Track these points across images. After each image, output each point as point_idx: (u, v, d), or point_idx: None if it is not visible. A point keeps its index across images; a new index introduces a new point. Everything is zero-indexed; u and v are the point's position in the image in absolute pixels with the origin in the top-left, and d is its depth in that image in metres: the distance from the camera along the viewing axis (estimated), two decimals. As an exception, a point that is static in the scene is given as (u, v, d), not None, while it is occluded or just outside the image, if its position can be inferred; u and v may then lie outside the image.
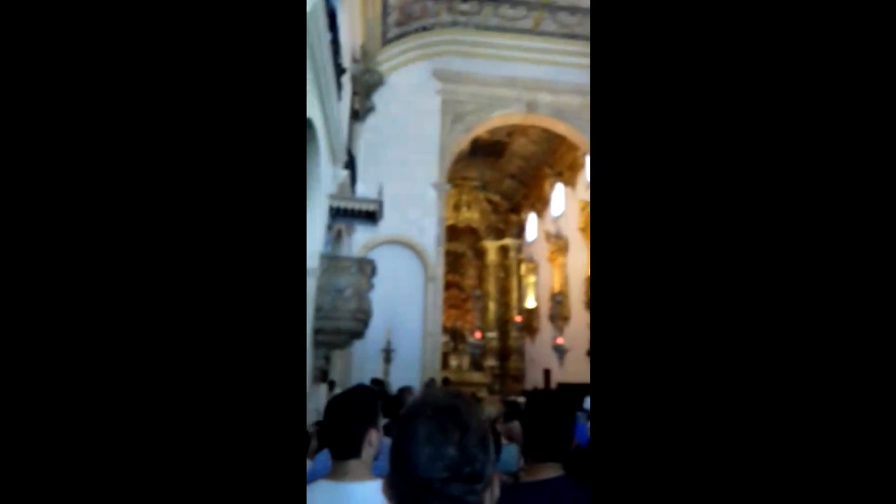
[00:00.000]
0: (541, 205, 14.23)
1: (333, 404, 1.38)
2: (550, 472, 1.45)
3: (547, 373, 12.56)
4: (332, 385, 6.70)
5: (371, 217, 6.73)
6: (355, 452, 1.28)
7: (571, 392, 5.54)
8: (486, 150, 13.21)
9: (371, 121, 9.65)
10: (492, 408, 3.18)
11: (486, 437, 0.71)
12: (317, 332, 5.88)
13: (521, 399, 9.51)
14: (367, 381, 8.51)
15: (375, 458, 1.33)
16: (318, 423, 5.33)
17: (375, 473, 1.30)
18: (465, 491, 0.67)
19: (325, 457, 1.44)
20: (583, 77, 9.23)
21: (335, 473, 1.27)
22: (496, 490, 0.72)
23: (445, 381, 10.95)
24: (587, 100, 8.86)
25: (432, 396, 0.75)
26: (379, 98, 9.70)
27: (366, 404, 1.36)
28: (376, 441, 1.32)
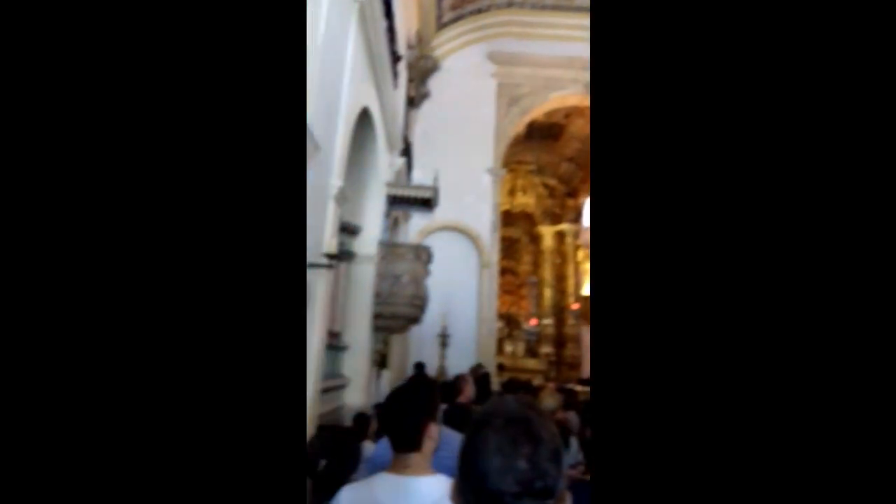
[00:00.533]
0: (599, 188, 13.76)
1: (394, 397, 1.38)
2: None
3: (604, 361, 12.27)
4: (420, 367, 6.79)
5: (427, 204, 6.78)
6: (416, 446, 1.28)
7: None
8: (543, 133, 12.91)
9: (426, 107, 9.67)
10: (550, 399, 3.12)
11: (559, 451, 0.69)
12: (376, 317, 6.03)
13: (578, 387, 9.40)
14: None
15: (435, 450, 1.33)
16: (377, 406, 5.51)
17: (435, 466, 1.30)
18: None
19: (386, 444, 1.47)
20: (645, 54, 8.80)
21: (396, 466, 1.27)
22: None
23: (500, 366, 10.99)
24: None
25: (503, 405, 0.73)
26: (434, 84, 9.69)
27: (426, 397, 1.36)
28: (436, 434, 1.32)
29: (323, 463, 2.55)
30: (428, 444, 1.29)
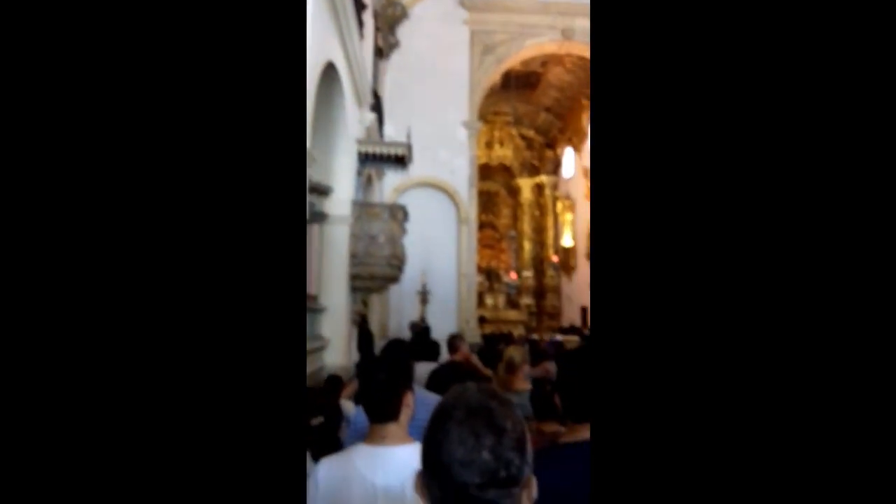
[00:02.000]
0: (578, 138, 13.62)
1: (369, 369, 1.38)
2: (589, 432, 1.42)
3: (584, 310, 12.56)
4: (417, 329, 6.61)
5: (401, 161, 6.62)
6: (393, 417, 1.29)
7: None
8: (519, 83, 12.56)
9: (396, 58, 9.29)
10: (516, 353, 3.10)
11: (523, 439, 0.69)
12: (353, 278, 6.00)
13: (559, 336, 9.62)
14: (404, 323, 8.76)
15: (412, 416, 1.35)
16: (358, 365, 5.56)
17: (412, 434, 1.31)
18: (502, 495, 0.66)
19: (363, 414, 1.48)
20: None
21: (373, 437, 1.29)
22: (534, 490, 0.71)
23: (482, 319, 11.16)
24: (627, 22, 8.20)
25: (465, 396, 0.72)
26: (403, 33, 9.27)
27: (401, 368, 1.36)
28: (412, 402, 1.33)
29: (320, 419, 2.62)
30: (405, 413, 1.31)
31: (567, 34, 9.54)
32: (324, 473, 1.27)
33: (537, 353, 5.24)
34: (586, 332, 7.57)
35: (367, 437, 1.30)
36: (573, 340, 8.33)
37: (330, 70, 5.06)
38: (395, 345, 2.47)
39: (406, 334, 8.12)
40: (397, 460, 1.23)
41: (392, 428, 1.28)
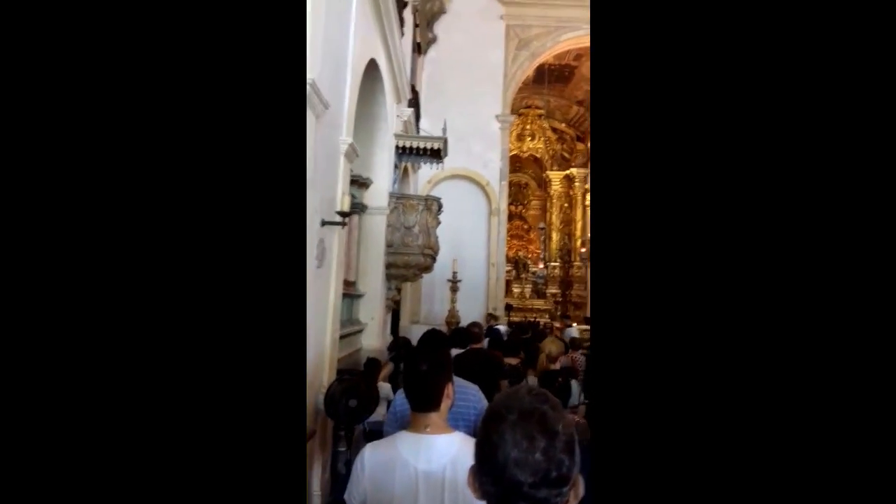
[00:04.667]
0: (609, 131, 13.58)
1: (413, 360, 1.45)
2: None
3: (610, 302, 12.58)
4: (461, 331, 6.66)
5: (436, 155, 6.84)
6: (435, 407, 1.36)
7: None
8: (553, 76, 12.59)
9: (433, 52, 9.48)
10: (553, 346, 3.43)
11: (572, 441, 0.72)
12: (388, 266, 6.27)
13: (573, 328, 9.78)
14: (435, 309, 9.07)
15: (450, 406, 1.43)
16: (391, 349, 5.86)
17: (451, 423, 1.42)
18: (552, 494, 0.69)
19: (403, 398, 1.58)
20: (660, -9, 8.44)
21: (416, 425, 1.36)
22: (581, 489, 0.74)
23: (509, 307, 11.36)
24: (664, 17, 8.15)
25: (517, 399, 0.75)
26: (441, 28, 9.44)
27: (443, 360, 1.44)
28: (452, 392, 1.41)
29: (354, 402, 2.87)
30: (445, 403, 1.39)
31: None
32: (370, 457, 1.34)
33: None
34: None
35: (411, 425, 1.38)
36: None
37: (371, 67, 5.30)
38: (432, 335, 2.67)
39: (437, 320, 8.46)
40: (438, 448, 1.30)
41: (433, 417, 1.35)
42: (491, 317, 8.38)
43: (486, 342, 4.05)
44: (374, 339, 6.04)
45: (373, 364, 4.13)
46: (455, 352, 3.51)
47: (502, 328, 7.81)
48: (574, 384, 3.43)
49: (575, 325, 9.95)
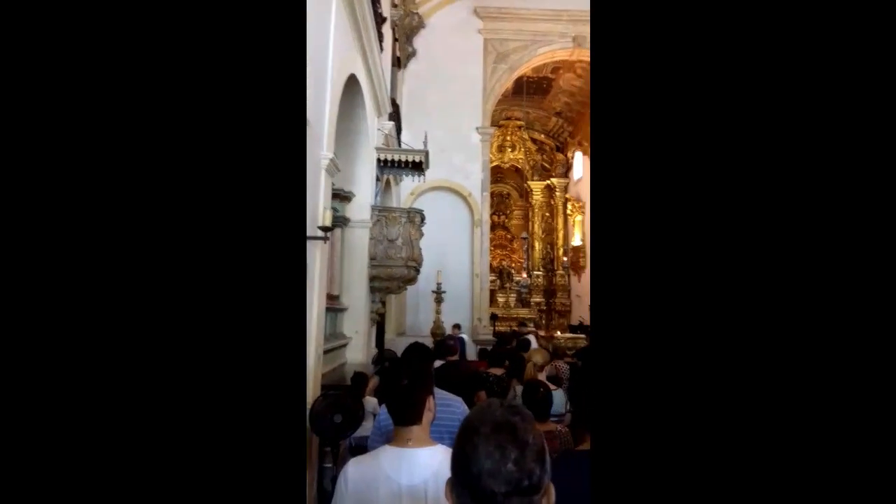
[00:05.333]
0: (587, 143, 13.84)
1: (394, 375, 1.46)
2: None
3: (593, 309, 12.73)
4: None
5: (418, 167, 6.89)
6: (417, 420, 1.37)
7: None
8: (531, 88, 12.80)
9: (413, 66, 9.58)
10: (538, 356, 3.50)
11: (543, 451, 0.75)
12: (371, 279, 6.27)
13: (567, 334, 9.90)
14: (420, 320, 9.09)
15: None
16: (375, 362, 5.84)
17: (435, 435, 1.43)
18: (525, 502, 0.72)
19: (387, 412, 1.57)
20: (633, 5, 8.68)
21: (399, 439, 1.36)
22: (552, 496, 0.77)
23: (494, 316, 11.42)
24: (637, 30, 8.37)
25: (490, 412, 0.77)
26: (420, 42, 9.56)
27: (424, 374, 1.45)
28: (433, 405, 1.42)
29: (339, 418, 2.86)
30: (427, 416, 1.40)
31: (578, 41, 9.77)
32: (352, 473, 1.33)
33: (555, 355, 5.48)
34: (594, 330, 7.84)
35: (393, 439, 1.39)
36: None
37: (352, 82, 5.35)
38: (415, 349, 2.69)
39: (423, 331, 8.49)
40: (420, 462, 1.31)
41: (416, 430, 1.36)
42: (455, 327, 8.53)
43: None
44: (358, 353, 6.02)
45: (359, 378, 4.12)
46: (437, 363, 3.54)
47: (465, 337, 8.10)
48: (558, 393, 3.46)
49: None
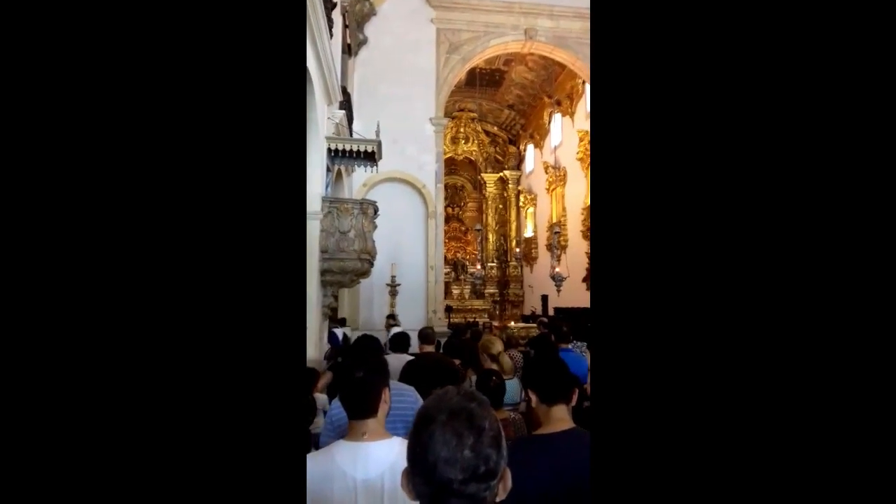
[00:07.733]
0: (539, 135, 14.06)
1: (346, 368, 1.43)
2: (562, 423, 1.50)
3: (545, 298, 13.03)
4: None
5: (370, 157, 6.76)
6: (372, 412, 1.35)
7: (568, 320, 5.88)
8: (484, 80, 12.86)
9: (364, 54, 9.37)
10: (497, 343, 3.55)
11: (499, 436, 0.76)
12: (323, 273, 6.12)
13: (520, 324, 10.05)
14: (374, 314, 8.98)
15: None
16: (327, 358, 5.72)
17: (389, 426, 1.40)
18: (481, 489, 0.72)
19: (339, 406, 1.54)
20: (583, 0, 8.84)
21: (354, 433, 1.34)
22: (508, 481, 0.77)
23: (448, 308, 11.47)
24: (587, 24, 8.55)
25: (446, 400, 0.77)
26: (371, 30, 9.35)
27: (377, 366, 1.42)
28: (388, 397, 1.40)
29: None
30: (382, 409, 1.37)
31: (530, 34, 9.84)
32: (307, 469, 1.30)
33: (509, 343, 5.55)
34: (545, 319, 7.99)
35: (348, 433, 1.36)
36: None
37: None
38: (366, 340, 2.61)
39: (377, 325, 8.37)
40: (376, 456, 1.29)
41: (371, 424, 1.33)
42: (390, 317, 8.49)
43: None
44: (310, 349, 5.86)
45: (310, 374, 4.00)
46: (403, 357, 3.48)
47: (398, 329, 8.11)
48: (512, 382, 3.48)
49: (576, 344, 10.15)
